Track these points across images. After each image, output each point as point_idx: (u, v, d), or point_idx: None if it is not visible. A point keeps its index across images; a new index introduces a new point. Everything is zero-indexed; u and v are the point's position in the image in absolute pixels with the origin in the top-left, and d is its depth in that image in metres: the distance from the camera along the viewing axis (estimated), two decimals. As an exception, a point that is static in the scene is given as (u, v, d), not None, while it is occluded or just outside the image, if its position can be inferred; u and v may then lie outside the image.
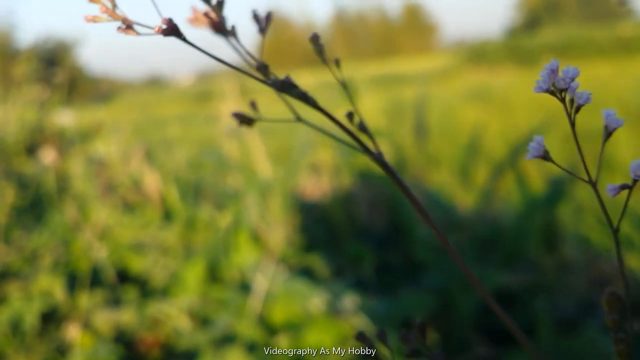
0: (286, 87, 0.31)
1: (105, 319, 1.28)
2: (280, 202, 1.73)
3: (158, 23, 0.29)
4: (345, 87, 0.34)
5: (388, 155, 1.93)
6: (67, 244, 1.50)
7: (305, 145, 2.05)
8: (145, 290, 1.44)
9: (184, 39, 0.29)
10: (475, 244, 1.41)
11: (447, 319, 1.30)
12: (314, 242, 1.65)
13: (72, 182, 1.81)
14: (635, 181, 0.26)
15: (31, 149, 2.05)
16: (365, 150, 0.32)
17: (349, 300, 1.22)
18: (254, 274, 1.35)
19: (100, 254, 1.46)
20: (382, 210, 1.84)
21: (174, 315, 1.29)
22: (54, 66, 2.69)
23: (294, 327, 1.20)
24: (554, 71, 0.24)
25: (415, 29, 24.88)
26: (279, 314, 1.25)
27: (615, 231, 0.26)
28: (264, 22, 0.33)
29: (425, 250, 1.42)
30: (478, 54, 11.89)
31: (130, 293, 1.40)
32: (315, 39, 0.32)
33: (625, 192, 0.26)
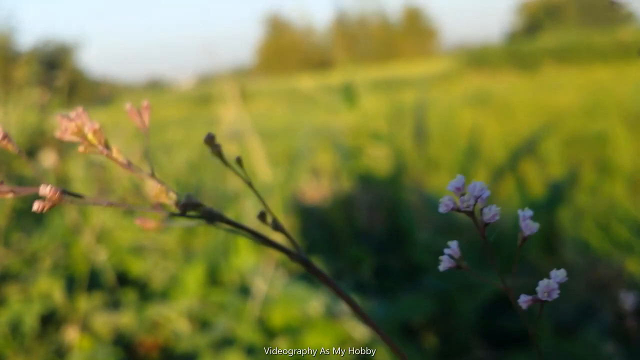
0: (215, 218, 0.31)
1: (104, 322, 1.28)
2: (280, 205, 1.73)
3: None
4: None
5: (387, 159, 1.93)
6: (66, 246, 1.50)
7: (306, 148, 2.05)
8: (145, 293, 1.44)
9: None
10: (474, 248, 1.41)
11: (446, 322, 1.30)
12: (313, 246, 1.66)
13: (72, 185, 1.81)
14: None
15: (31, 152, 2.05)
16: (282, 250, 0.33)
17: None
18: (254, 277, 1.35)
19: (100, 256, 1.46)
20: (381, 214, 1.84)
21: (174, 318, 1.29)
22: (55, 69, 2.70)
23: (293, 330, 1.20)
24: (459, 189, 0.24)
25: (416, 33, 24.91)
26: (278, 317, 1.25)
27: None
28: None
29: (425, 254, 1.43)
30: (478, 58, 11.90)
31: (130, 296, 1.40)
32: (210, 139, 0.33)
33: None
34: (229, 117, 2.20)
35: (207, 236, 1.64)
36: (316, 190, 2.10)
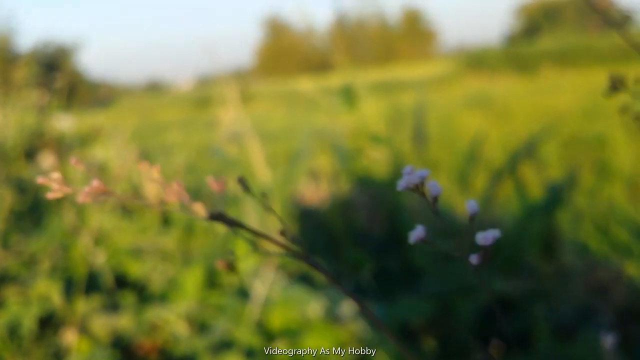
0: (216, 218, 0.32)
1: (102, 324, 1.28)
2: (279, 207, 1.73)
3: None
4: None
5: (386, 161, 1.93)
6: (65, 248, 1.50)
7: (305, 151, 2.05)
8: (143, 295, 1.43)
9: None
10: (474, 251, 1.41)
11: (445, 325, 1.30)
12: (312, 248, 1.65)
13: (71, 187, 1.80)
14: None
15: (30, 154, 2.05)
16: (288, 250, 0.34)
17: (347, 306, 1.22)
18: (253, 280, 1.35)
19: (98, 259, 1.45)
20: (380, 216, 1.84)
21: (172, 321, 1.29)
22: (54, 71, 2.70)
23: (292, 333, 1.20)
24: (409, 173, 0.31)
25: (415, 36, 24.94)
26: (277, 320, 1.25)
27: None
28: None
29: (424, 257, 1.42)
30: (477, 60, 11.92)
31: (128, 298, 1.40)
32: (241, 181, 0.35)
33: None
34: (229, 119, 2.20)
35: (206, 239, 1.64)
36: (315, 192, 2.10)
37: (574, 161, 2.70)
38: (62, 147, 2.12)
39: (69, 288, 1.38)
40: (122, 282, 1.48)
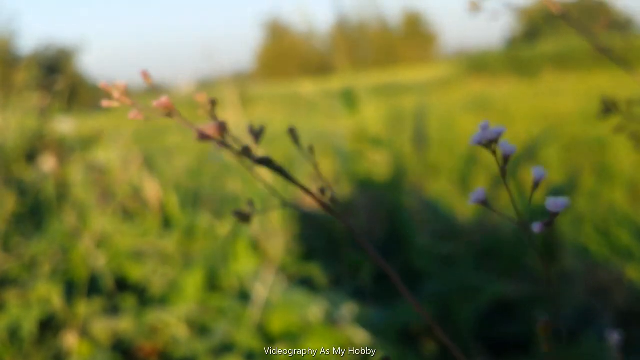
0: (264, 163, 0.33)
1: (103, 327, 1.28)
2: (280, 210, 1.73)
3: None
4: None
5: (387, 164, 1.93)
6: (65, 251, 1.50)
7: (305, 153, 2.05)
8: (144, 298, 1.43)
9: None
10: (474, 254, 1.41)
11: (446, 328, 1.30)
12: (313, 251, 1.65)
13: (72, 190, 1.81)
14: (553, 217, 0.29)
15: (31, 156, 2.05)
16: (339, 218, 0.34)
17: (348, 310, 1.21)
18: (253, 283, 1.35)
19: (99, 261, 1.45)
20: (381, 219, 1.84)
21: (173, 324, 1.29)
22: (55, 73, 2.70)
23: (292, 336, 1.19)
24: (484, 128, 0.30)
25: (416, 39, 24.95)
26: (277, 323, 1.25)
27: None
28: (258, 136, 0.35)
29: (425, 259, 1.42)
30: (478, 63, 11.92)
31: (129, 301, 1.40)
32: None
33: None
34: (229, 122, 2.20)
35: (207, 241, 1.64)
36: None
37: (575, 164, 2.70)
38: (63, 149, 2.12)
39: (70, 291, 1.38)
40: (122, 285, 1.48)
